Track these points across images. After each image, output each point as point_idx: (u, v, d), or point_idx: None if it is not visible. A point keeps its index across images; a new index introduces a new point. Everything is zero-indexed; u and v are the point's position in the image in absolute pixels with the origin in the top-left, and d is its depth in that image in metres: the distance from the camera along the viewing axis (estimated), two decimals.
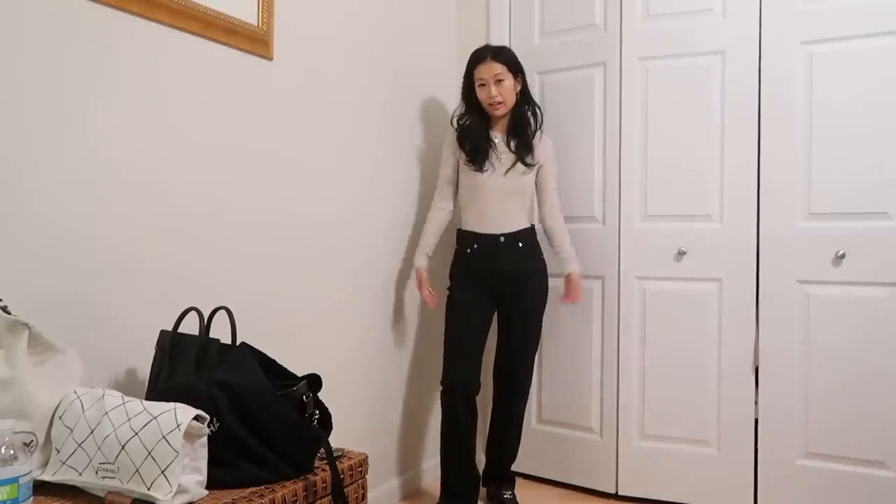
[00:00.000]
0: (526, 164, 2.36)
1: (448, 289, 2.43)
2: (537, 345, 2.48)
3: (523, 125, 2.39)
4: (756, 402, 2.38)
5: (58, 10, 1.42)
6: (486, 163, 2.35)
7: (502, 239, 2.36)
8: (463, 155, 2.40)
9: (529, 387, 2.50)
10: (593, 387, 2.63)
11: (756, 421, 2.38)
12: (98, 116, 1.50)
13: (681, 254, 2.47)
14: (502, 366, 2.46)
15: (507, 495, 2.48)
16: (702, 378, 2.45)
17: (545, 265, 2.46)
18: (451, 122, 2.47)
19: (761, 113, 2.36)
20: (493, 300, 2.39)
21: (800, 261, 2.30)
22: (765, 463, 2.35)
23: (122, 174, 1.55)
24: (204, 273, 1.76)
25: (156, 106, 1.63)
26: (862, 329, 2.22)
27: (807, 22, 2.29)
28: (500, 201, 2.36)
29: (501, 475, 2.51)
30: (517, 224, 2.38)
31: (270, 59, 1.95)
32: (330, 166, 2.21)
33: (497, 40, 2.80)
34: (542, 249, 2.47)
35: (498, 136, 2.40)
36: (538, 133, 2.43)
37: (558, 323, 2.71)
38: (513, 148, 2.37)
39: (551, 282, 2.49)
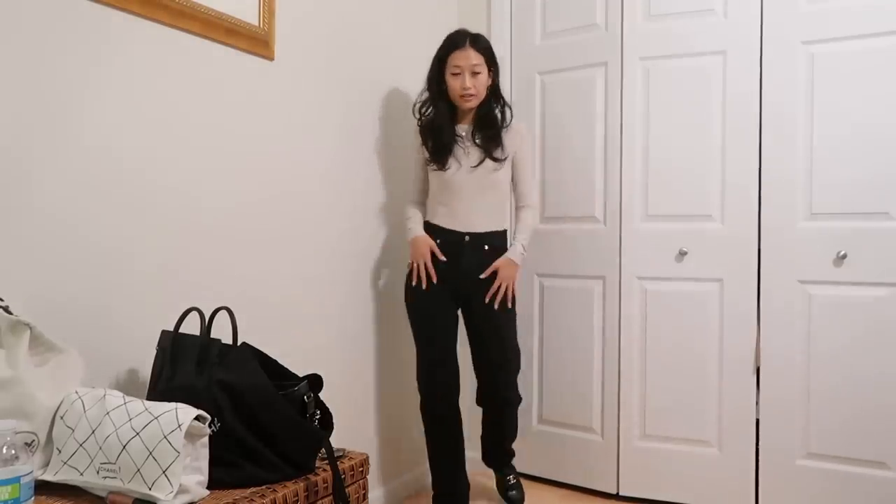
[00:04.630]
0: (495, 160, 2.20)
1: (406, 285, 2.29)
2: (515, 337, 2.31)
3: (490, 121, 2.23)
4: (757, 403, 2.38)
5: (58, 10, 1.42)
6: (451, 159, 2.21)
7: (467, 238, 2.21)
8: (425, 151, 2.25)
9: (517, 372, 2.34)
10: (594, 387, 2.63)
11: (757, 421, 2.38)
12: (98, 116, 1.50)
13: (682, 254, 2.47)
14: (481, 370, 2.29)
15: (511, 482, 2.45)
16: (703, 378, 2.45)
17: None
18: (413, 111, 2.30)
19: (762, 113, 2.35)
20: (454, 300, 2.25)
21: (801, 261, 2.30)
22: (766, 463, 2.35)
23: (122, 174, 1.55)
24: (205, 272, 1.76)
25: (156, 106, 1.63)
26: (863, 329, 2.21)
27: (808, 22, 2.28)
28: (469, 198, 2.21)
29: (501, 458, 2.45)
30: (487, 225, 2.24)
31: (271, 59, 1.95)
32: (330, 166, 2.22)
33: (498, 40, 2.80)
34: None
35: (464, 130, 2.24)
36: (505, 127, 2.27)
37: (559, 323, 2.71)
38: (479, 142, 2.21)
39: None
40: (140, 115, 1.59)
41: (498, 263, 2.19)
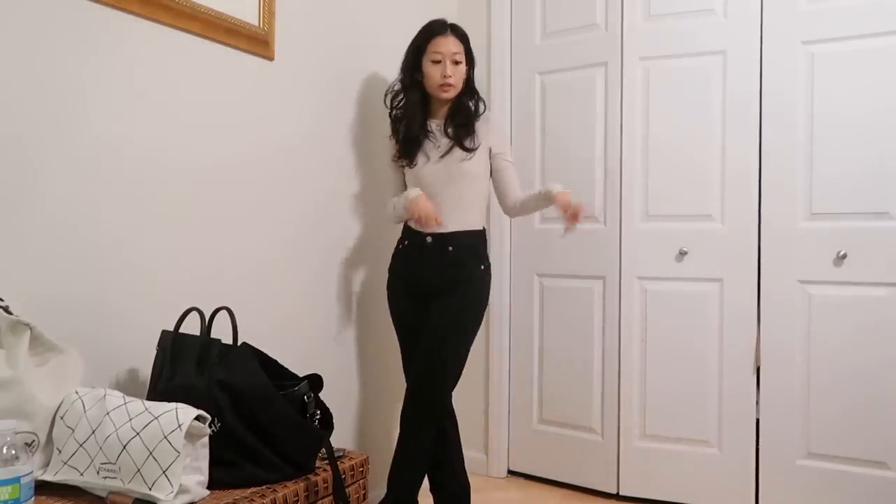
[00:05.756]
0: (465, 149, 2.05)
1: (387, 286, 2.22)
2: (456, 367, 2.05)
3: (464, 112, 2.11)
4: (757, 402, 2.38)
5: (58, 10, 1.42)
6: (419, 155, 2.08)
7: (429, 240, 2.04)
8: (395, 145, 2.13)
9: (440, 417, 2.06)
10: (594, 387, 2.63)
11: (757, 421, 2.37)
12: (99, 117, 1.50)
13: (682, 254, 2.47)
14: (409, 387, 2.08)
15: None
16: (703, 378, 2.45)
17: (485, 274, 2.11)
18: (385, 101, 2.17)
19: (762, 113, 2.35)
20: (420, 309, 2.08)
21: (801, 261, 2.30)
22: (766, 463, 2.35)
23: (122, 175, 1.55)
24: (208, 272, 1.76)
25: (157, 106, 1.63)
26: (863, 329, 2.21)
27: (808, 22, 2.28)
28: (438, 192, 2.05)
29: None
30: (456, 224, 2.05)
31: (271, 59, 1.95)
32: (331, 167, 2.22)
33: (498, 40, 2.80)
34: (488, 256, 2.16)
35: (435, 124, 2.12)
36: (478, 118, 2.14)
37: (559, 323, 2.71)
38: (450, 133, 2.08)
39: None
40: (139, 116, 1.59)
41: (558, 198, 1.95)
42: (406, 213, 2.04)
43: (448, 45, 2.06)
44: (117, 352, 1.55)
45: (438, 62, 2.06)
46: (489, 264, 2.15)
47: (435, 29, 2.09)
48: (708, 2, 2.43)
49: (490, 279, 2.14)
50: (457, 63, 2.07)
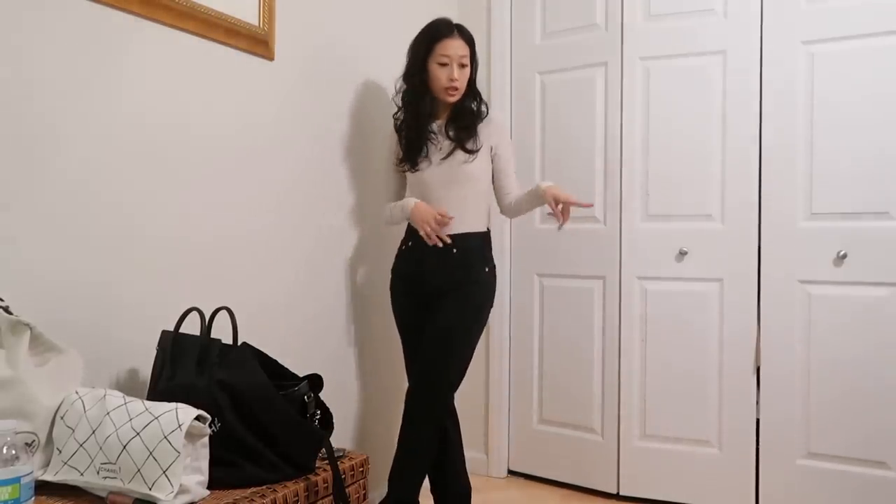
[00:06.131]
0: (466, 150, 2.05)
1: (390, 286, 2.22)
2: (459, 368, 2.05)
3: (466, 114, 2.09)
4: (757, 403, 2.38)
5: (58, 9, 1.42)
6: (422, 159, 2.07)
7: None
8: (399, 149, 2.13)
9: (441, 417, 2.06)
10: (594, 387, 2.63)
11: (758, 421, 2.38)
12: (98, 118, 1.50)
13: (682, 254, 2.47)
14: (411, 386, 2.07)
15: None
16: (703, 378, 2.45)
17: (490, 276, 2.10)
18: (395, 102, 2.16)
19: (762, 113, 2.35)
20: (422, 309, 2.08)
21: (801, 261, 2.30)
22: (766, 463, 2.35)
23: (121, 175, 1.55)
24: (206, 271, 1.76)
25: (156, 107, 1.63)
26: (863, 329, 2.21)
27: (808, 22, 2.28)
28: (439, 195, 2.05)
29: None
30: (459, 226, 2.03)
31: (271, 59, 1.95)
32: (331, 166, 2.22)
33: (498, 40, 2.80)
34: (493, 257, 2.14)
35: (437, 126, 2.10)
36: (481, 120, 2.12)
37: (559, 323, 2.71)
38: (451, 135, 2.06)
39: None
40: (139, 117, 1.59)
41: (547, 192, 1.95)
42: (413, 224, 2.04)
43: (456, 48, 2.04)
44: (117, 352, 1.54)
45: (445, 65, 2.03)
46: (494, 265, 2.14)
47: (442, 30, 2.06)
48: (708, 2, 2.43)
49: (495, 280, 2.13)
50: (463, 66, 2.05)
